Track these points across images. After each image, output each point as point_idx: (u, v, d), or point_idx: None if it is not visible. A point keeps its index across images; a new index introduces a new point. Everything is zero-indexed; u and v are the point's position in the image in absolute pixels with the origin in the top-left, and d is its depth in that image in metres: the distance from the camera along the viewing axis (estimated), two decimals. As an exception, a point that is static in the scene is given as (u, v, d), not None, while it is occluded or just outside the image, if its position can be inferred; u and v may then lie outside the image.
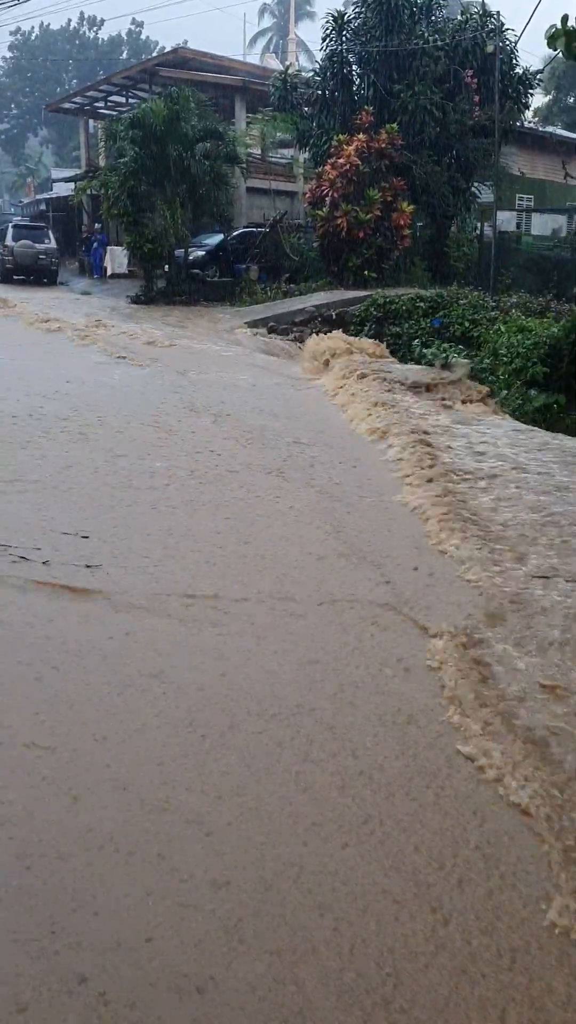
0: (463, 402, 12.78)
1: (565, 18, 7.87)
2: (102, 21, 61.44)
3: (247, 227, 26.59)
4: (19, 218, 38.18)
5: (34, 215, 40.13)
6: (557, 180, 29.69)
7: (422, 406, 11.59)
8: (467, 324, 16.66)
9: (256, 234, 25.47)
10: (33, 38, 60.36)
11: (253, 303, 21.71)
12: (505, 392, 13.26)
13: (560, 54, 8.34)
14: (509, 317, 16.49)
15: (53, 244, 28.00)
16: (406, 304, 17.64)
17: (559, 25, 7.89)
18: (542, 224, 30.31)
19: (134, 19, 61.77)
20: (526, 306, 18.21)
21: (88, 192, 26.52)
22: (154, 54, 48.29)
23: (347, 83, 23.03)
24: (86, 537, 6.13)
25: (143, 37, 62.14)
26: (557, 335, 13.54)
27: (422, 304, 17.69)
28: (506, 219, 28.03)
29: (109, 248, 29.19)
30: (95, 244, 29.92)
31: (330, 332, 16.96)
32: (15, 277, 27.22)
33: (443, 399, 12.63)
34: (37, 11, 73.40)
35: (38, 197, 46.33)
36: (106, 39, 62.63)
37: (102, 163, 28.28)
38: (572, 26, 7.84)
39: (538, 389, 12.98)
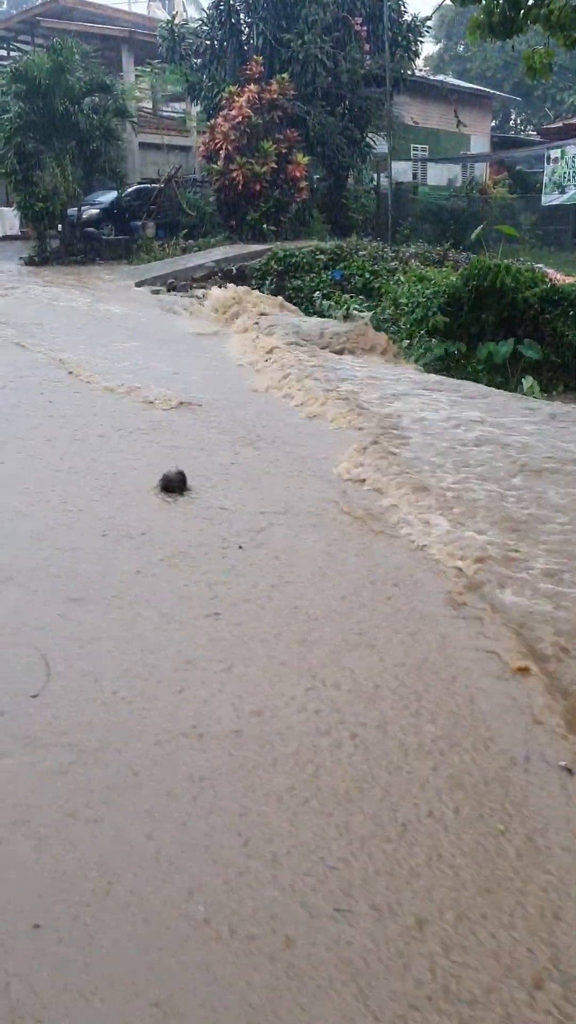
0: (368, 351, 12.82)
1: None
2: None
3: (141, 183, 25.97)
4: None
5: None
6: (450, 129, 29.86)
7: (329, 358, 11.51)
8: (367, 275, 16.72)
9: (151, 190, 24.91)
10: None
11: (151, 260, 21.23)
12: (407, 342, 13.36)
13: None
14: (408, 267, 16.61)
15: None
16: (306, 257, 17.59)
17: (443, -33, 7.85)
18: (438, 174, 30.61)
19: (12, -33, 59.16)
20: (425, 256, 18.40)
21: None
22: (35, 4, 46.39)
23: (236, 32, 22.62)
24: None
25: (23, -14, 59.58)
26: (456, 284, 13.65)
27: (322, 257, 17.66)
28: (402, 169, 28.16)
29: (-2, 209, 28.13)
30: (-18, 206, 28.77)
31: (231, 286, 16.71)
32: None
33: (347, 350, 12.65)
34: None
35: None
36: (-18, -12, 59.80)
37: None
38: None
39: (439, 338, 13.13)
